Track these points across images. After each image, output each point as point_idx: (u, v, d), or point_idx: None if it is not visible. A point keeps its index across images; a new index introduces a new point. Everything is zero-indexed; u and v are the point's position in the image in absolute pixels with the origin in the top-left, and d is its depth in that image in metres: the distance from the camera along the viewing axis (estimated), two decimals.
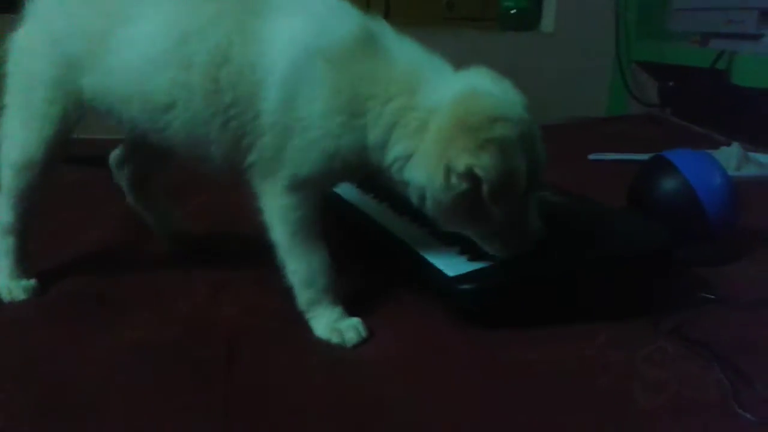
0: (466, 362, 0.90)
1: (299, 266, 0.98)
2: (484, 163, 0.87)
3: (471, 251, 1.02)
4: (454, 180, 0.89)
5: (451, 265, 1.01)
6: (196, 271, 1.17)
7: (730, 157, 1.91)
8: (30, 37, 1.02)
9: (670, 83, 2.84)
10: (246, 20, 0.95)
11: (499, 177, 0.87)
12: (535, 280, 0.99)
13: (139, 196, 1.22)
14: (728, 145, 1.99)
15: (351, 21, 0.97)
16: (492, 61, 2.91)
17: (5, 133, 1.04)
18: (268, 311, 1.03)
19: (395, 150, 0.94)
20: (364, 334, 0.96)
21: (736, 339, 0.95)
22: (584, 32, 2.87)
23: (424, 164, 0.92)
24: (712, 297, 1.06)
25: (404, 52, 0.97)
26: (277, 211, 0.98)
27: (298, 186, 0.96)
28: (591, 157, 2.14)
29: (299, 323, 0.98)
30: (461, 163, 0.88)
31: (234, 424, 0.76)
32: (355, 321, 0.97)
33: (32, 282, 1.06)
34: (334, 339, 0.95)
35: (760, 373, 0.84)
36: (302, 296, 0.99)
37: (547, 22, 2.96)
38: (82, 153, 1.17)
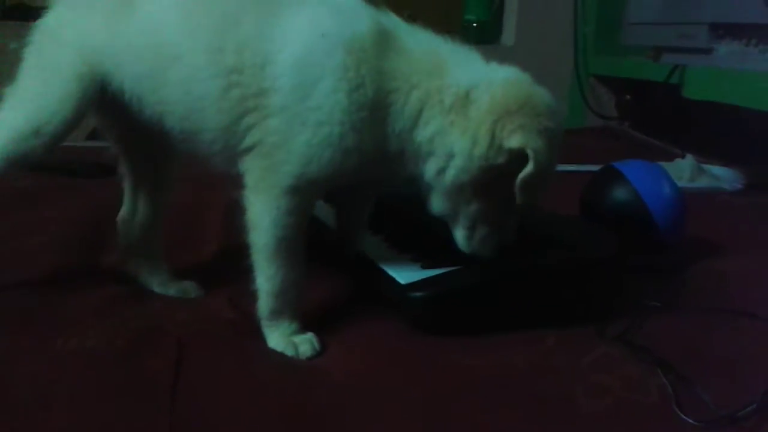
0: (413, 370, 0.91)
1: (276, 274, 0.95)
2: (539, 147, 0.88)
3: (424, 258, 1.03)
4: (495, 152, 0.89)
5: (404, 272, 1.01)
6: None
7: (684, 169, 1.95)
8: (58, 18, 1.00)
9: (627, 97, 2.89)
10: None
11: (545, 165, 0.89)
12: (486, 288, 1.00)
13: (147, 255, 1.14)
14: (683, 157, 2.03)
15: (368, 15, 0.95)
16: None
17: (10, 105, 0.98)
18: (221, 321, 1.02)
19: (429, 127, 0.92)
20: (318, 347, 0.95)
21: (679, 345, 0.96)
22: (544, 46, 2.91)
23: (470, 131, 0.90)
24: (658, 304, 1.08)
25: (420, 41, 0.96)
26: (270, 213, 0.93)
27: (301, 188, 0.92)
28: None
29: (252, 333, 0.98)
30: (517, 138, 0.88)
31: None
32: (310, 335, 0.96)
33: None
34: (289, 351, 0.94)
35: (701, 377, 0.85)
36: (267, 304, 0.96)
37: (508, 36, 3.00)
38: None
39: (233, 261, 0.98)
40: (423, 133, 0.92)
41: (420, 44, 0.95)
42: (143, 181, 1.11)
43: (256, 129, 0.92)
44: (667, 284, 1.18)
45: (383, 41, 0.93)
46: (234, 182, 0.95)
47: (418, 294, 0.98)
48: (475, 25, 2.95)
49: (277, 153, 0.91)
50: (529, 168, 0.88)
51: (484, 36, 2.97)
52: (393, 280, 1.01)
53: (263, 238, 0.94)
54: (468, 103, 0.91)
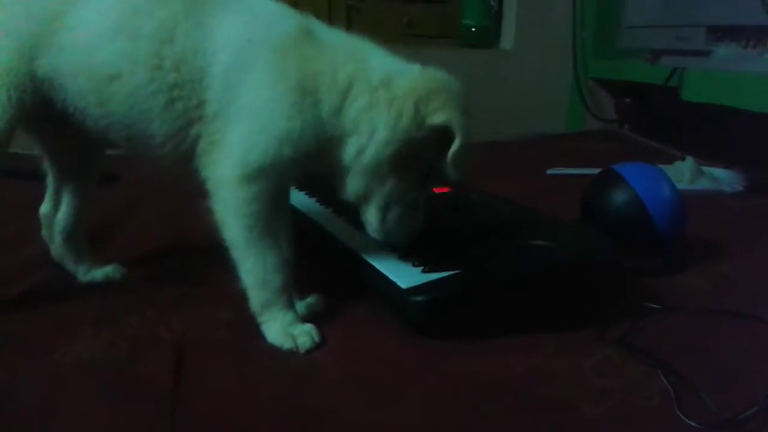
0: (412, 373, 0.91)
1: (254, 265, 0.97)
2: (462, 124, 0.96)
3: (426, 263, 1.03)
4: (417, 126, 0.96)
5: (405, 276, 1.01)
6: (144, 288, 1.16)
7: (684, 171, 1.95)
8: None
9: (627, 100, 2.89)
10: (193, 7, 0.98)
11: (467, 144, 0.96)
12: (487, 291, 0.99)
13: (70, 246, 1.18)
14: (683, 159, 2.03)
15: (291, 18, 1.01)
16: (454, 76, 2.92)
17: None
18: (218, 325, 1.02)
19: (357, 103, 0.97)
20: (317, 339, 0.96)
21: (680, 347, 0.96)
22: (542, 49, 2.92)
23: (395, 106, 0.96)
24: (658, 307, 1.08)
25: (339, 36, 1.02)
26: (232, 204, 0.96)
27: (252, 176, 0.95)
28: (549, 171, 2.17)
29: (249, 336, 0.98)
30: (442, 115, 0.96)
31: None
32: (308, 327, 0.98)
33: None
34: (287, 344, 0.96)
35: (702, 380, 0.85)
36: (256, 298, 0.98)
37: (507, 40, 3.00)
38: (25, 168, 1.15)
39: (227, 264, 0.98)
40: (351, 110, 0.97)
41: (340, 38, 1.02)
42: (67, 179, 1.16)
43: (203, 136, 0.98)
44: (668, 286, 1.18)
45: (306, 36, 0.99)
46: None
47: (419, 298, 0.97)
48: (473, 29, 2.95)
49: (218, 149, 0.97)
50: (457, 143, 0.95)
51: (482, 40, 2.97)
52: (394, 283, 1.01)
53: (232, 232, 0.97)
54: (391, 83, 0.97)
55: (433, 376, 0.89)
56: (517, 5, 2.95)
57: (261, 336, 0.98)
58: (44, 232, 1.18)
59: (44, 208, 1.17)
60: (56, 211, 1.16)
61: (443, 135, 0.96)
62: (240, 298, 0.99)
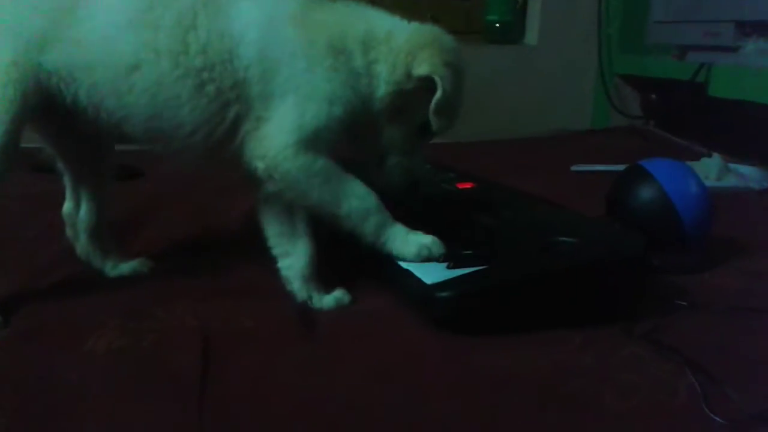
0: (438, 367, 0.91)
1: (350, 205, 1.03)
2: (444, 75, 1.02)
3: (451, 258, 1.03)
4: (406, 78, 1.04)
5: (430, 272, 1.01)
6: (170, 280, 1.17)
7: (711, 167, 1.93)
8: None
9: (653, 96, 2.87)
10: None
11: (450, 93, 1.02)
12: (513, 287, 0.99)
13: (95, 243, 1.19)
14: (709, 156, 2.01)
15: None
16: (477, 72, 2.94)
17: None
18: (245, 316, 1.03)
19: (371, 55, 1.05)
20: (443, 247, 1.06)
21: (708, 344, 0.96)
22: (567, 45, 2.90)
23: (391, 60, 1.04)
24: (686, 304, 1.07)
25: (343, 2, 1.10)
26: (298, 172, 1.00)
27: (310, 140, 0.99)
28: (574, 168, 2.16)
29: (275, 327, 0.99)
30: (425, 67, 1.02)
31: (208, 429, 0.76)
32: (430, 237, 1.06)
33: None
34: (424, 253, 1.04)
35: (730, 377, 0.85)
36: (368, 229, 1.03)
37: (531, 35, 2.99)
38: (53, 162, 1.16)
39: (252, 257, 0.99)
40: (367, 65, 1.04)
41: (343, 3, 1.09)
42: (83, 176, 1.17)
43: (248, 117, 1.01)
44: (695, 284, 1.17)
45: (315, 5, 1.07)
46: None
47: (444, 294, 0.97)
48: (498, 25, 2.94)
49: (267, 124, 1.00)
50: (438, 93, 1.01)
51: (506, 36, 2.96)
52: (418, 279, 1.01)
53: (314, 195, 1.02)
54: (391, 38, 1.06)
55: (457, 371, 0.89)
56: (542, 0, 2.93)
57: (287, 329, 0.99)
58: (68, 232, 1.19)
59: (66, 207, 1.18)
60: (78, 210, 1.18)
61: (433, 87, 1.02)
62: (266, 289, 1.00)
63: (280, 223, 1.09)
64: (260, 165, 1.00)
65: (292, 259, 1.09)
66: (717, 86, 2.26)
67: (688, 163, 1.45)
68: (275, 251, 1.10)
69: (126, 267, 1.20)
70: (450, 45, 1.07)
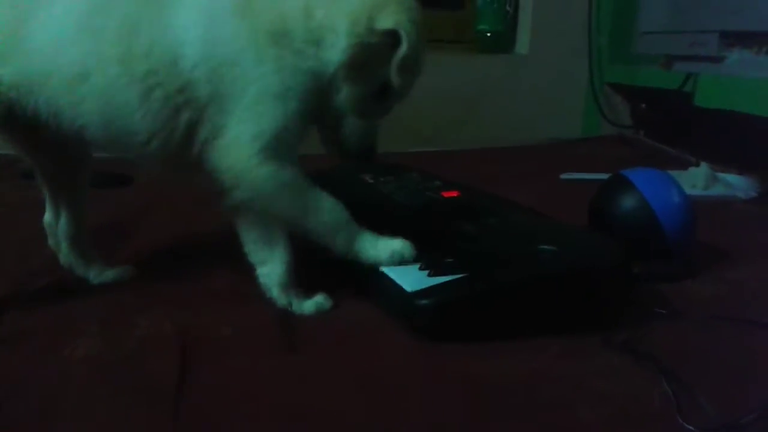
0: (414, 374, 0.91)
1: (320, 217, 1.02)
2: (410, 30, 0.99)
3: (432, 266, 1.03)
4: (369, 31, 1.00)
5: (410, 280, 1.01)
6: (152, 287, 1.17)
7: (698, 177, 1.94)
8: None
9: (642, 105, 2.88)
10: None
11: (414, 49, 1.00)
12: (493, 296, 1.00)
13: (77, 252, 1.19)
14: (697, 165, 2.02)
15: None
16: (468, 81, 2.95)
17: None
18: (224, 324, 1.03)
19: (317, 20, 1.00)
20: (413, 250, 1.07)
21: (685, 353, 0.96)
22: (558, 54, 2.91)
23: (351, 14, 1.00)
24: (665, 312, 1.07)
25: None
26: (266, 181, 0.99)
27: (271, 149, 0.98)
28: (563, 176, 2.16)
29: (254, 335, 1.00)
30: (391, 20, 0.99)
31: None
32: (401, 241, 1.07)
33: None
34: (396, 258, 1.05)
35: (705, 386, 0.85)
36: (339, 241, 1.04)
37: (522, 45, 3.00)
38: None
39: (235, 265, 0.99)
40: (315, 29, 1.00)
41: None
42: (60, 186, 1.16)
43: (203, 122, 0.99)
44: (677, 292, 1.17)
45: None
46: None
47: (424, 302, 0.98)
48: (488, 34, 2.95)
49: (228, 134, 0.98)
50: (403, 47, 0.99)
51: (497, 45, 2.97)
52: (398, 287, 1.01)
53: (283, 205, 1.02)
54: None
55: (435, 378, 0.90)
56: (533, 10, 2.94)
57: (266, 336, 1.00)
58: (50, 241, 1.19)
59: (46, 217, 1.18)
60: (58, 220, 1.17)
61: (396, 43, 1.00)
62: (247, 296, 1.01)
63: (256, 230, 1.08)
64: (227, 176, 0.99)
65: (270, 266, 1.09)
66: (703, 96, 2.27)
67: (676, 172, 1.46)
68: (253, 259, 1.10)
69: (110, 274, 1.20)
70: (412, 3, 1.04)
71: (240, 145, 0.98)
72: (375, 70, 1.02)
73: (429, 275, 1.02)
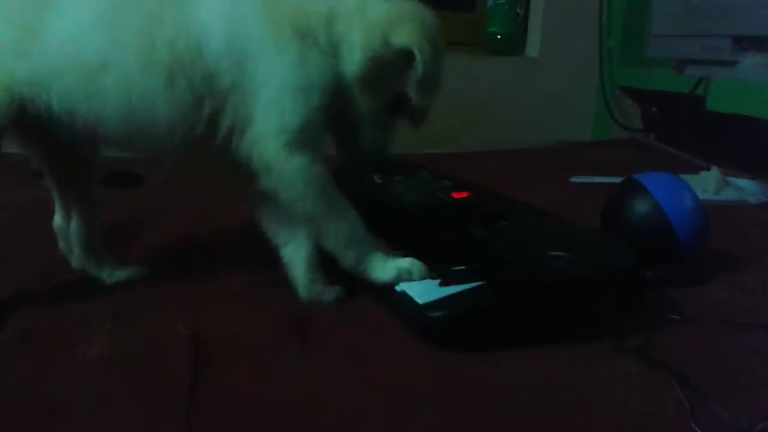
0: (427, 381, 0.91)
1: (339, 225, 1.03)
2: (425, 48, 1.00)
3: (444, 276, 1.03)
4: (384, 46, 1.01)
5: (421, 291, 1.01)
6: (165, 286, 1.17)
7: (709, 181, 1.94)
8: None
9: (653, 109, 2.88)
10: None
11: (430, 67, 1.01)
12: (506, 306, 0.99)
13: (89, 253, 1.19)
14: (708, 169, 2.02)
15: None
16: (478, 84, 2.93)
17: None
18: (236, 322, 1.03)
19: (337, 26, 1.02)
20: (425, 269, 1.05)
21: (698, 358, 0.96)
22: (568, 57, 2.91)
23: (366, 28, 1.02)
24: (678, 317, 1.07)
25: None
26: (294, 175, 1.00)
27: (297, 142, 0.99)
28: (573, 179, 2.16)
29: (265, 333, 1.00)
30: (405, 39, 1.00)
31: None
32: (411, 260, 1.06)
33: None
34: (404, 276, 1.04)
35: (717, 392, 0.85)
36: (350, 254, 1.04)
37: (533, 47, 2.99)
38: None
39: (247, 264, 0.99)
40: (334, 37, 1.02)
41: None
42: (69, 186, 1.16)
43: (225, 112, 0.99)
44: (689, 297, 1.17)
45: None
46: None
47: (436, 314, 0.97)
48: (499, 37, 2.95)
49: (252, 126, 0.99)
50: (419, 67, 1.00)
51: (508, 48, 2.96)
52: (410, 298, 1.01)
53: (308, 202, 1.01)
54: (365, 9, 1.03)
55: (448, 384, 0.90)
56: (543, 13, 2.94)
57: (277, 336, 1.00)
58: (61, 245, 1.19)
59: (56, 220, 1.18)
60: (68, 222, 1.17)
61: (411, 60, 1.01)
62: (259, 295, 1.01)
63: (279, 212, 1.07)
64: (258, 164, 1.00)
65: (293, 245, 1.10)
66: (715, 100, 2.26)
67: (687, 176, 1.45)
68: (276, 241, 1.11)
69: (122, 275, 1.20)
70: (431, 20, 1.05)
71: (268, 137, 0.99)
72: (390, 84, 1.04)
73: (440, 284, 1.02)
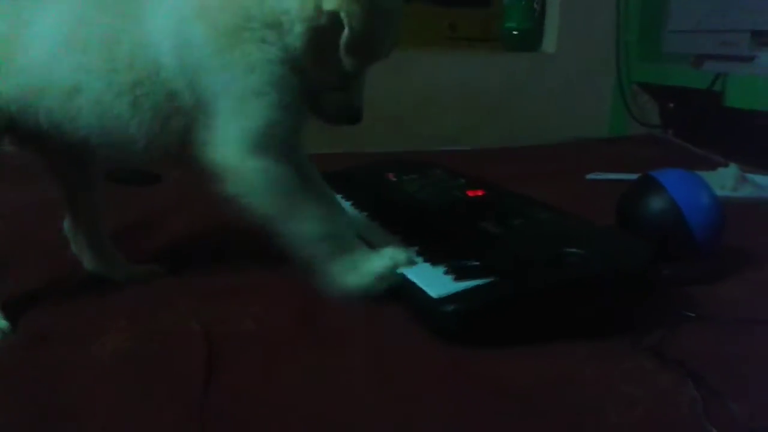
0: (440, 376, 0.91)
1: (303, 225, 1.01)
2: (353, 11, 0.95)
3: (458, 270, 1.03)
4: (317, 13, 0.97)
5: (435, 285, 1.01)
6: (178, 283, 1.18)
7: (727, 177, 1.92)
8: None
9: (671, 105, 2.85)
10: (128, 5, 1.01)
11: (361, 30, 0.96)
12: (520, 302, 0.99)
13: (100, 254, 1.20)
14: (726, 166, 2.00)
15: None
16: (495, 80, 2.95)
17: None
18: (248, 318, 1.04)
19: (273, 6, 0.98)
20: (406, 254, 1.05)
21: (713, 356, 0.95)
22: (585, 53, 2.89)
23: (301, 2, 0.97)
24: (693, 315, 1.06)
25: None
26: (254, 179, 0.99)
27: (259, 146, 0.98)
28: (589, 176, 2.15)
29: (277, 329, 1.01)
30: (332, 1, 0.95)
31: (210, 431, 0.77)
32: (385, 257, 1.05)
33: (2, 324, 1.01)
34: (380, 285, 1.03)
35: (732, 390, 0.84)
36: (316, 255, 1.01)
37: (549, 43, 2.98)
38: None
39: (260, 260, 0.99)
40: (272, 16, 0.98)
41: None
42: (75, 190, 1.17)
43: (195, 128, 1.00)
44: (705, 295, 1.16)
45: None
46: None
47: (450, 308, 0.97)
48: (516, 33, 2.94)
49: (217, 130, 0.98)
50: (345, 31, 0.96)
51: (524, 43, 2.95)
52: (423, 292, 1.01)
53: (267, 206, 1.00)
54: None
55: (460, 379, 0.90)
56: (560, 8, 2.93)
57: (290, 332, 1.01)
58: (73, 248, 1.20)
59: (66, 225, 1.19)
60: (77, 225, 1.18)
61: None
62: (272, 291, 1.04)
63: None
64: (217, 171, 0.99)
65: None
66: (733, 96, 2.24)
67: (705, 173, 1.44)
68: None
69: (136, 273, 1.21)
70: None
71: (228, 143, 0.98)
72: (336, 50, 0.99)
73: (454, 280, 1.01)
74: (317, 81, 1.03)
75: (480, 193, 1.39)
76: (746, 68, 2.28)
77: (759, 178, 1.98)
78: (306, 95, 1.04)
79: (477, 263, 1.04)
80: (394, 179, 1.53)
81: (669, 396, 0.85)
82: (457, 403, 0.84)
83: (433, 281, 1.02)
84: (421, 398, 0.85)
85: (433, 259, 1.08)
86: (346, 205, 1.40)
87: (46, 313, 1.07)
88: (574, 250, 1.05)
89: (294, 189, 1.01)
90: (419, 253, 1.11)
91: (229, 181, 0.99)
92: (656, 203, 1.22)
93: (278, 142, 1.00)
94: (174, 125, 1.00)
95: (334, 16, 0.96)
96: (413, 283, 1.03)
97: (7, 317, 1.02)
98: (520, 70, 2.86)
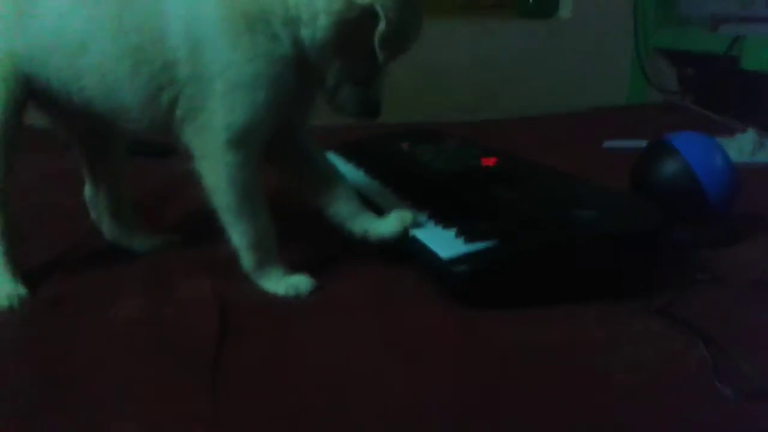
0: (450, 339, 0.91)
1: (248, 227, 1.03)
2: (387, 4, 0.96)
3: (468, 232, 1.03)
4: (348, 7, 0.96)
5: (446, 246, 1.01)
6: (193, 253, 1.20)
7: (746, 143, 1.90)
8: None
9: (689, 70, 2.82)
10: None
11: (395, 24, 0.97)
12: (530, 262, 0.99)
13: (119, 223, 1.22)
14: (744, 131, 1.98)
15: None
16: (511, 48, 2.92)
17: None
18: (262, 290, 1.05)
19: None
20: (313, 284, 1.04)
21: (724, 318, 0.95)
22: (602, 19, 2.86)
23: None
24: (705, 277, 1.06)
25: None
26: (223, 171, 1.01)
27: (240, 140, 1.00)
28: (606, 144, 2.13)
29: (292, 300, 1.02)
30: None
31: (221, 397, 0.77)
32: (302, 276, 1.05)
33: (20, 290, 1.02)
34: (291, 292, 1.03)
35: (743, 351, 0.84)
36: (250, 258, 1.04)
37: (565, 9, 2.95)
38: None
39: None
40: (293, 9, 0.98)
41: None
42: (95, 158, 1.18)
43: (179, 102, 1.00)
44: (717, 257, 1.15)
45: None
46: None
47: (460, 268, 0.97)
48: None
49: (202, 115, 1.00)
50: (381, 24, 0.96)
51: (541, 10, 2.93)
52: (434, 253, 1.01)
53: (226, 198, 1.02)
54: None
55: (468, 342, 0.90)
56: None
57: (302, 300, 1.02)
58: (92, 215, 1.21)
59: (86, 192, 1.21)
60: (98, 193, 1.20)
61: (376, 14, 0.97)
62: (284, 260, 1.05)
63: (315, 175, 1.12)
64: (194, 151, 1.02)
65: (336, 204, 1.12)
66: (749, 58, 2.21)
67: (724, 139, 1.42)
68: (318, 204, 1.13)
69: (154, 243, 1.23)
70: None
71: (214, 130, 0.99)
72: (362, 42, 0.99)
73: (465, 241, 1.01)
74: (334, 74, 1.03)
75: (494, 161, 1.39)
76: (763, 29, 2.24)
77: None
78: (305, 93, 1.06)
79: (488, 225, 1.04)
80: (408, 149, 1.53)
81: (679, 357, 0.85)
82: (463, 364, 0.86)
83: (444, 243, 1.02)
84: (431, 359, 0.86)
85: (444, 222, 1.08)
86: (359, 173, 1.40)
87: (64, 280, 1.09)
88: (584, 211, 1.05)
89: (253, 195, 1.03)
90: (430, 217, 1.11)
91: (204, 164, 1.01)
92: (670, 166, 1.21)
93: (258, 139, 1.02)
94: (163, 98, 1.00)
95: (366, 10, 0.96)
96: (424, 245, 1.04)
97: (26, 284, 1.04)
98: (537, 38, 2.84)
